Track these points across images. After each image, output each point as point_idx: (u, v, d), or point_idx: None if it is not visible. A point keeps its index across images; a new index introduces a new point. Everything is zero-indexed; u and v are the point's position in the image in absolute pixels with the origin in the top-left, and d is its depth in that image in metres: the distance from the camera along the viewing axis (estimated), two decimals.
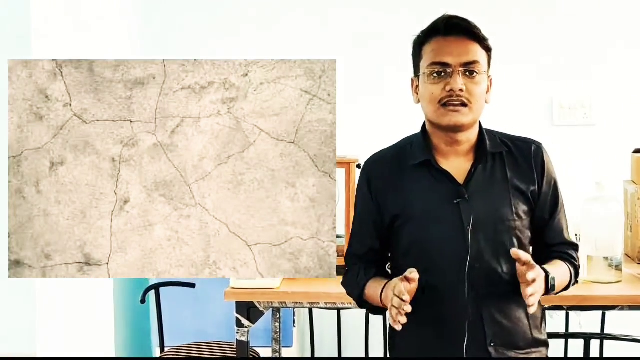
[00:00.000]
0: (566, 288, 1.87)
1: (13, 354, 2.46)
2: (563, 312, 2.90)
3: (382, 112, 3.55)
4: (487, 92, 1.84)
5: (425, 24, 1.76)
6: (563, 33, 3.53)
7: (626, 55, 3.51)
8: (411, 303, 1.66)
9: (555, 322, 3.04)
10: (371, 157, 1.94)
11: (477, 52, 1.79)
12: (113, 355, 3.14)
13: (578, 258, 1.90)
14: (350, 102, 3.44)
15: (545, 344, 1.86)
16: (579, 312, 2.70)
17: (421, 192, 1.80)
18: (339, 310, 2.94)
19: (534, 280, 1.65)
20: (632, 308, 2.41)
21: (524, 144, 1.87)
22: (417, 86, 1.84)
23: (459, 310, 1.76)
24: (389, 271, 1.92)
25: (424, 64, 1.80)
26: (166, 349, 2.94)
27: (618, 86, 3.53)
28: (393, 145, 1.93)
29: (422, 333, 1.79)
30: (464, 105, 1.76)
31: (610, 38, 3.51)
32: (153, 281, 3.11)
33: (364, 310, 2.14)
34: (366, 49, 3.55)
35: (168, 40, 3.59)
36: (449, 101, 1.75)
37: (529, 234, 1.84)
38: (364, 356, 3.16)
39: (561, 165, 3.47)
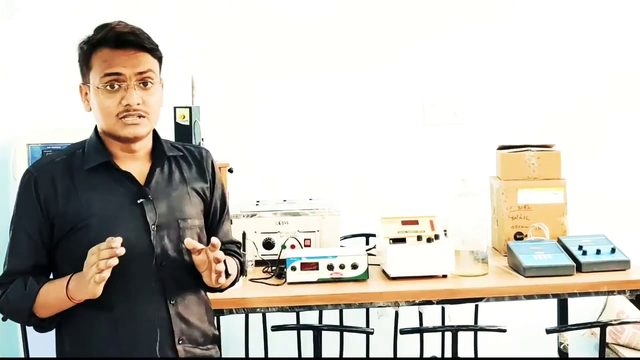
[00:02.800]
0: (236, 280, 2.03)
1: None
2: (436, 307, 2.96)
3: (252, 117, 3.54)
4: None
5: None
6: (434, 38, 3.62)
7: (493, 59, 3.64)
8: (103, 303, 1.75)
9: (427, 315, 3.13)
10: (35, 163, 1.89)
11: (149, 62, 1.81)
12: None
13: (243, 255, 2.10)
14: (220, 108, 3.41)
15: (218, 340, 1.99)
16: (448, 306, 2.78)
17: (100, 195, 1.80)
18: None
19: (219, 261, 1.76)
20: (497, 299, 2.49)
21: (194, 149, 1.98)
22: (87, 93, 1.84)
23: (149, 310, 1.80)
24: None
25: (95, 75, 1.79)
26: None
27: (484, 87, 3.66)
28: (60, 151, 1.89)
29: (107, 337, 1.80)
30: (142, 117, 1.79)
31: (478, 44, 3.63)
32: None
33: None
34: (236, 55, 3.52)
35: None
36: (127, 115, 1.78)
37: (205, 233, 1.94)
38: None
39: (432, 162, 3.62)
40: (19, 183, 1.84)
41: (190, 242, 1.76)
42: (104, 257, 1.64)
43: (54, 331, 1.90)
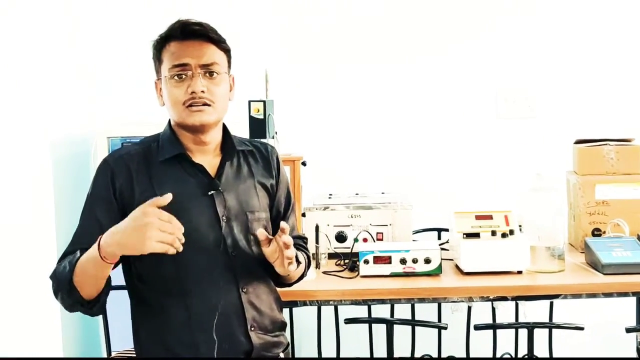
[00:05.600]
0: (304, 274, 2.07)
1: None
2: (510, 303, 2.93)
3: (325, 110, 3.55)
4: (230, 91, 1.93)
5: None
6: (508, 28, 3.56)
7: (568, 50, 3.56)
8: (177, 291, 1.80)
9: (500, 312, 3.10)
10: (113, 153, 1.92)
11: (214, 54, 1.86)
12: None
13: (309, 249, 2.14)
14: (293, 101, 3.44)
15: (285, 326, 2.00)
16: (523, 302, 2.73)
17: (174, 186, 1.81)
18: None
19: (288, 246, 1.78)
20: (574, 296, 2.44)
21: (261, 145, 2.02)
22: (161, 89, 1.89)
23: (222, 299, 1.84)
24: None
25: (165, 68, 1.86)
26: (113, 353, 2.90)
27: (560, 79, 3.58)
28: (136, 143, 1.94)
29: (181, 325, 1.82)
30: (207, 105, 1.83)
31: (554, 34, 3.56)
32: None
33: None
34: (311, 48, 3.54)
35: None
36: (193, 103, 1.82)
37: (271, 227, 1.97)
38: None
39: (505, 156, 3.57)
40: (96, 171, 1.89)
41: (263, 233, 1.80)
42: (170, 230, 1.61)
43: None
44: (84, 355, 3.42)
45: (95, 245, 1.67)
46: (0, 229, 2.69)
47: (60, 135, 3.26)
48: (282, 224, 1.79)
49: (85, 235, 1.81)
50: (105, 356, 2.95)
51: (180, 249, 1.64)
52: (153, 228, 1.60)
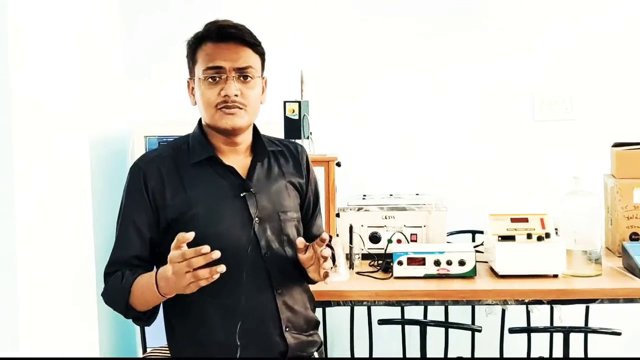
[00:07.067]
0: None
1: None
2: (545, 306, 2.90)
3: (360, 111, 3.55)
4: (262, 93, 1.91)
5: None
6: (544, 29, 3.53)
7: (606, 52, 3.51)
8: (213, 291, 1.74)
9: (535, 316, 3.07)
10: (143, 157, 1.92)
11: (249, 58, 1.85)
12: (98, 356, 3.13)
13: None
14: (329, 102, 3.44)
15: (318, 325, 1.99)
16: (559, 306, 2.71)
17: (206, 188, 1.84)
18: None
19: (325, 259, 1.79)
20: (611, 301, 2.41)
21: (290, 144, 2.01)
22: (193, 88, 1.89)
23: (258, 300, 1.84)
24: None
25: (199, 69, 1.85)
26: (148, 350, 2.93)
27: (598, 81, 3.53)
28: (166, 146, 1.95)
29: (216, 325, 1.82)
30: (239, 108, 1.82)
31: (591, 35, 3.51)
32: None
33: None
34: (345, 50, 3.55)
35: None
36: (225, 106, 1.82)
37: (301, 226, 1.97)
38: None
39: (542, 159, 3.53)
40: (128, 176, 1.90)
41: (302, 241, 1.81)
42: (198, 264, 1.61)
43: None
44: (119, 352, 3.46)
45: (153, 285, 1.72)
46: (38, 226, 2.74)
47: (98, 134, 3.30)
48: (324, 235, 1.79)
49: (126, 242, 1.86)
50: (141, 352, 2.99)
51: (216, 274, 1.63)
52: (181, 276, 1.63)
